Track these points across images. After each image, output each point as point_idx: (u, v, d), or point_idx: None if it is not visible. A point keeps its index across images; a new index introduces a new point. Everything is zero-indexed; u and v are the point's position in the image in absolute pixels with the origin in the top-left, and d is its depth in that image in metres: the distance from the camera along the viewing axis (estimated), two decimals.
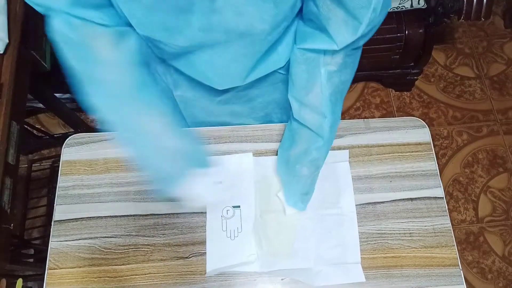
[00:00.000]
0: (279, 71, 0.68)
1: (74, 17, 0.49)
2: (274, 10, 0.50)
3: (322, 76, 0.57)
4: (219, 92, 0.71)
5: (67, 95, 1.51)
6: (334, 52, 0.54)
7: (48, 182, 1.45)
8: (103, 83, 0.53)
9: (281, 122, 0.81)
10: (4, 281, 0.89)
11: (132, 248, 0.70)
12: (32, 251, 1.26)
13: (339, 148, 0.77)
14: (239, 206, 0.73)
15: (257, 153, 0.77)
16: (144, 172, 0.60)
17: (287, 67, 0.65)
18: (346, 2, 0.47)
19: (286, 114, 0.81)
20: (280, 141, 0.75)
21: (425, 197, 0.74)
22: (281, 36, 0.59)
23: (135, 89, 0.54)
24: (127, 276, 0.69)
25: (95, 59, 0.52)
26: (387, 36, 1.38)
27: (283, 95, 0.71)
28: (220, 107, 0.77)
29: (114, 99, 0.53)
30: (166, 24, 0.52)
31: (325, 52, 0.56)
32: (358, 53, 0.58)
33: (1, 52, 0.94)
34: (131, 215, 0.73)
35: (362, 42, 0.54)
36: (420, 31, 1.36)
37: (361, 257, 0.69)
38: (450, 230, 0.71)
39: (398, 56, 1.45)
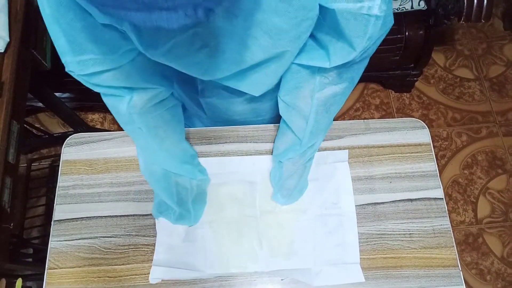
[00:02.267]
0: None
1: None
2: (301, 40, 0.50)
3: (315, 84, 0.57)
4: (244, 93, 0.70)
5: (67, 94, 1.51)
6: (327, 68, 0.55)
7: (47, 181, 1.45)
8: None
9: None
10: (3, 280, 0.89)
11: (132, 248, 0.70)
12: (31, 251, 1.26)
13: (339, 149, 0.77)
14: None
15: (257, 153, 0.77)
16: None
17: None
18: (343, 30, 0.47)
19: None
20: None
21: (424, 198, 0.74)
22: None
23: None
24: (127, 276, 0.69)
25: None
26: (387, 37, 1.35)
27: None
28: (244, 106, 0.75)
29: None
30: (202, 67, 0.52)
31: (319, 67, 0.56)
32: (359, 68, 0.58)
33: (2, 51, 0.94)
34: (131, 215, 0.73)
35: (359, 59, 0.54)
36: (420, 32, 1.36)
37: (361, 258, 0.69)
38: (450, 231, 0.71)
39: (398, 57, 1.45)
